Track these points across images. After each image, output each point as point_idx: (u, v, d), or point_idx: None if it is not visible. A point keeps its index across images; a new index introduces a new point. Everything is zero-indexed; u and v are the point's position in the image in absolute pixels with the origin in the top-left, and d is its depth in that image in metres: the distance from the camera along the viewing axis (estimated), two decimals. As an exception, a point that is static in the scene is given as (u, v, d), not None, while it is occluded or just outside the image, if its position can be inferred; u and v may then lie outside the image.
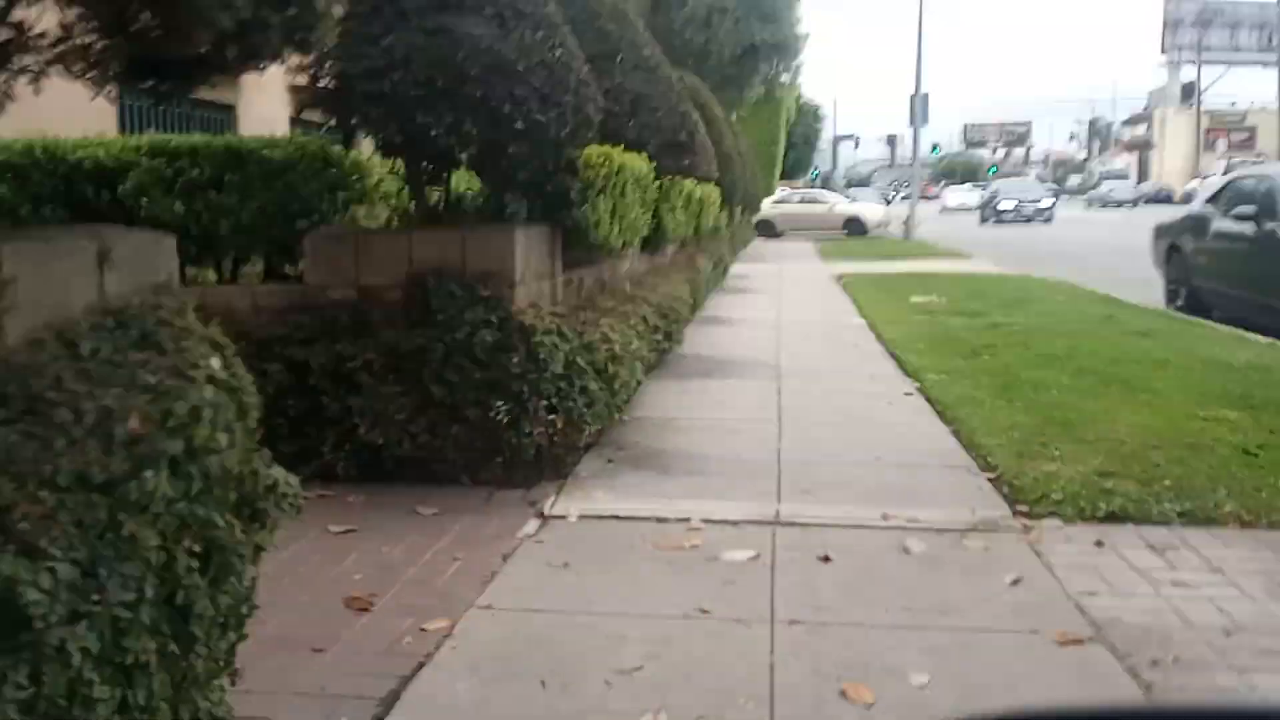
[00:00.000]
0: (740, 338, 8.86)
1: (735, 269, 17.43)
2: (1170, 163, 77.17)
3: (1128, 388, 5.99)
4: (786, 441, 5.02)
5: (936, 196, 76.52)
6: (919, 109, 27.35)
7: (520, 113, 4.35)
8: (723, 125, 15.48)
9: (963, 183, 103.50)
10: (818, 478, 4.38)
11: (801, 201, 32.86)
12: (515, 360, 4.35)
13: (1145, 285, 12.65)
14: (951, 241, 24.95)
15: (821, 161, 68.61)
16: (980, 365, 6.97)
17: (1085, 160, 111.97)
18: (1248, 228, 9.37)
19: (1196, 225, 10.75)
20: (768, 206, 32.12)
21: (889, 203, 49.78)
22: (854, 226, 30.68)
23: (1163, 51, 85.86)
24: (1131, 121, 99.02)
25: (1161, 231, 11.97)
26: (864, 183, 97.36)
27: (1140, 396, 5.73)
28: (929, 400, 5.98)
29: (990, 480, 4.31)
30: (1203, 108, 78.86)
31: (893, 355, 7.66)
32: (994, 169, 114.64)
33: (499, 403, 4.32)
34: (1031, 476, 4.23)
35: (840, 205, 32.94)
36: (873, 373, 7.01)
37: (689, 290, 8.96)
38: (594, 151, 5.28)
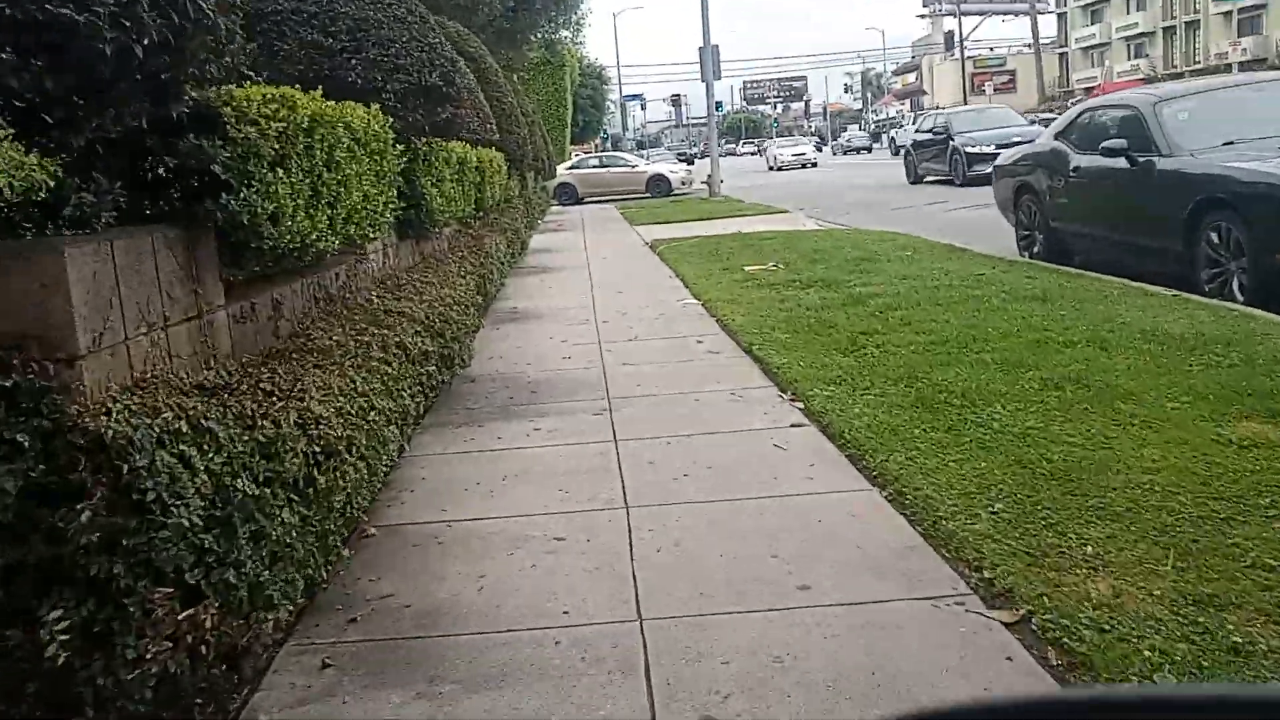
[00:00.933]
0: (549, 340, 6.76)
1: (534, 241, 15.27)
2: (942, 105, 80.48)
3: (1088, 391, 4.32)
4: (647, 568, 2.95)
5: (744, 153, 75.61)
6: (710, 61, 25.82)
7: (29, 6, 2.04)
8: (501, 81, 13.24)
9: (750, 138, 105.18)
10: (717, 664, 2.35)
11: (601, 164, 31.05)
12: (85, 515, 2.08)
13: (977, 230, 11.49)
14: (759, 196, 23.72)
15: (609, 124, 66.85)
16: (871, 365, 5.17)
17: (861, 111, 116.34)
18: (1119, 163, 8.09)
19: (1050, 163, 9.48)
20: (565, 171, 30.36)
21: (692, 161, 49.02)
22: (658, 186, 29.15)
23: (924, 4, 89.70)
24: (901, 71, 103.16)
25: (1005, 172, 10.72)
26: (654, 143, 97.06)
27: (1119, 407, 4.05)
28: (831, 436, 4.10)
29: (1013, 628, 2.43)
30: (966, 54, 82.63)
31: (752, 354, 5.77)
32: (775, 123, 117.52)
33: (54, 612, 2.05)
34: (1086, 621, 2.37)
35: (643, 165, 31.35)
36: (735, 388, 5.08)
37: (475, 286, 6.76)
38: (257, 95, 2.99)
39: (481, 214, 9.58)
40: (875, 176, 29.97)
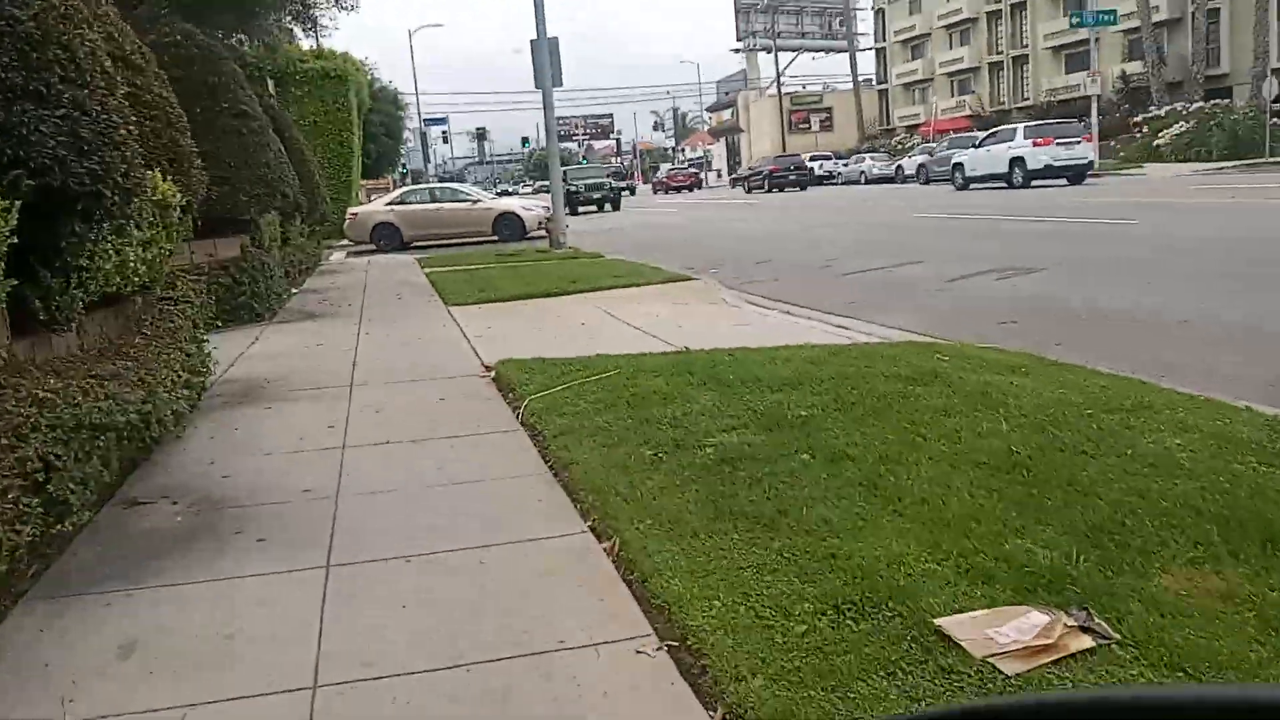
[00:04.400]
0: None
1: (253, 354, 7.75)
2: (759, 146, 77.30)
3: None
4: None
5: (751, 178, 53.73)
6: (547, 58, 18.75)
7: None
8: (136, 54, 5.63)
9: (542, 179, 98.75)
10: None
11: (434, 199, 23.44)
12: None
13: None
14: (614, 246, 16.86)
15: (408, 158, 58.42)
16: None
17: (672, 149, 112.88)
18: None
19: None
20: (384, 208, 23.00)
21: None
22: (509, 228, 22.08)
23: (738, 38, 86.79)
24: (715, 108, 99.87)
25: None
26: (459, 179, 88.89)
27: None
28: None
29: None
30: (783, 91, 79.94)
31: None
32: (584, 160, 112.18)
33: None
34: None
35: (487, 201, 23.84)
36: None
37: None
38: None
39: None
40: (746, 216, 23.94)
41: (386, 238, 21.93)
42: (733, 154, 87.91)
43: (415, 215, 22.51)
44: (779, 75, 79.78)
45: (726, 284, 11.32)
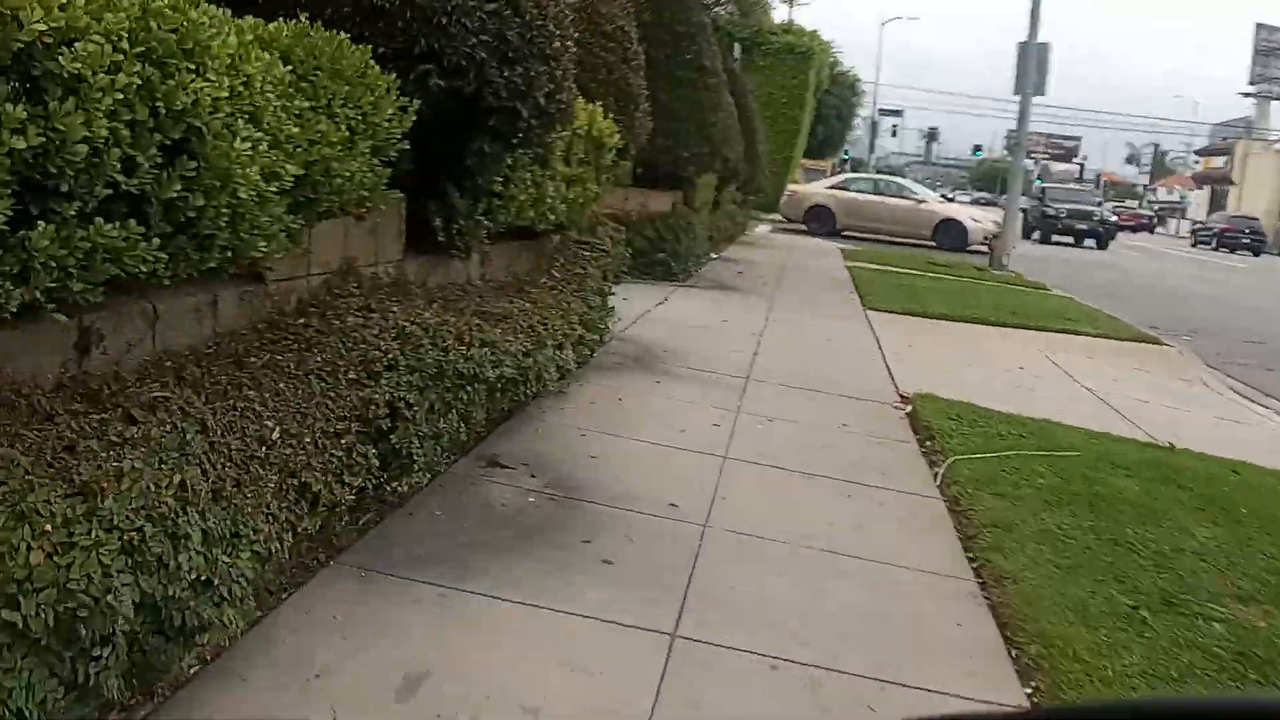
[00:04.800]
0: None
1: (666, 311, 7.41)
2: (1253, 202, 66.48)
3: None
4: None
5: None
6: (1034, 63, 16.81)
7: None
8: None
9: (1001, 194, 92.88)
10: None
11: (876, 191, 22.48)
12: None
13: None
14: (1050, 277, 14.73)
15: (851, 144, 57.17)
16: None
17: (1145, 187, 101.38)
18: None
19: None
20: (822, 190, 22.39)
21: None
22: (948, 236, 20.51)
23: (1251, 82, 74.93)
24: (1206, 152, 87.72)
25: None
26: (899, 174, 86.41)
27: None
28: None
29: None
30: (1299, 146, 68.02)
31: None
32: (1039, 179, 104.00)
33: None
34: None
35: (933, 203, 22.24)
36: None
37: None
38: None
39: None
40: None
41: (819, 220, 21.24)
42: (1216, 204, 76.85)
43: (854, 203, 21.55)
44: (1296, 126, 67.97)
45: (1205, 360, 9.26)
